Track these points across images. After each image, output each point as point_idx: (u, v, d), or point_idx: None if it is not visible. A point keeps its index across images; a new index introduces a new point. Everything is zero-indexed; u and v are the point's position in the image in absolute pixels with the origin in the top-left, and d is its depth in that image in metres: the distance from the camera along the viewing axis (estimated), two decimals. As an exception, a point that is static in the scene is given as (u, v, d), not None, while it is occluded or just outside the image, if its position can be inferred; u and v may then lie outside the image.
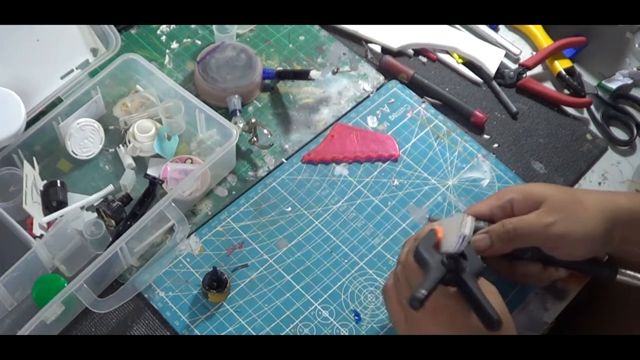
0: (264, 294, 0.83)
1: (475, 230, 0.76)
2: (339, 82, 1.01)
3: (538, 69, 1.05)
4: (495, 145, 0.97)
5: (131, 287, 0.79)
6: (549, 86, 1.04)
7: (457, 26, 1.08)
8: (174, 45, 1.03)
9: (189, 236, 0.87)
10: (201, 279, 0.83)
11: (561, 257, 0.77)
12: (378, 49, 1.04)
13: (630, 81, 1.04)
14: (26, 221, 0.83)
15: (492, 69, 1.03)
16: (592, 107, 1.01)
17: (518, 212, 0.77)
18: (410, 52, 1.05)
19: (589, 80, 1.04)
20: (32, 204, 0.83)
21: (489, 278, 0.71)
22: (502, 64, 1.04)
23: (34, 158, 0.88)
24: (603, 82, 1.03)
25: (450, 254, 0.66)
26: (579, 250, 0.76)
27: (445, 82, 1.02)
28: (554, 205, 0.75)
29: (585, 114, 1.02)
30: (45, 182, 0.86)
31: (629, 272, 0.78)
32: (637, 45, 1.08)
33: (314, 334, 0.81)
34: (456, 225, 0.67)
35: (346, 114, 0.98)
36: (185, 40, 1.04)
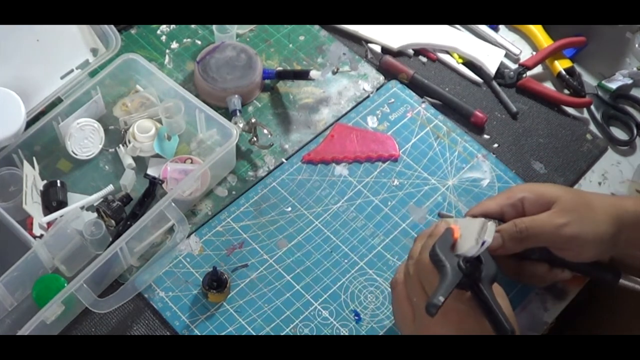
0: (264, 294, 0.83)
1: None
2: (339, 82, 1.01)
3: (538, 69, 1.05)
4: (495, 145, 0.97)
5: (131, 287, 0.79)
6: (549, 86, 1.04)
7: (457, 26, 1.08)
8: (174, 45, 1.03)
9: (189, 236, 0.87)
10: (201, 279, 0.83)
11: (570, 258, 0.77)
12: (378, 49, 1.04)
13: (630, 81, 1.04)
14: (26, 221, 0.83)
15: (492, 69, 1.03)
16: (592, 107, 1.01)
17: (529, 212, 0.76)
18: (410, 52, 1.05)
19: (589, 80, 1.04)
20: (32, 204, 0.83)
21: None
22: (502, 64, 1.04)
23: (34, 158, 0.88)
24: (603, 82, 1.03)
25: (467, 257, 0.66)
26: (589, 252, 0.76)
27: (445, 82, 1.02)
28: (566, 207, 0.75)
29: (585, 114, 1.02)
30: (45, 182, 0.86)
31: (631, 277, 0.78)
32: (637, 45, 1.08)
33: (314, 334, 0.81)
34: (475, 229, 0.67)
35: (346, 114, 0.98)
36: (185, 40, 1.04)
